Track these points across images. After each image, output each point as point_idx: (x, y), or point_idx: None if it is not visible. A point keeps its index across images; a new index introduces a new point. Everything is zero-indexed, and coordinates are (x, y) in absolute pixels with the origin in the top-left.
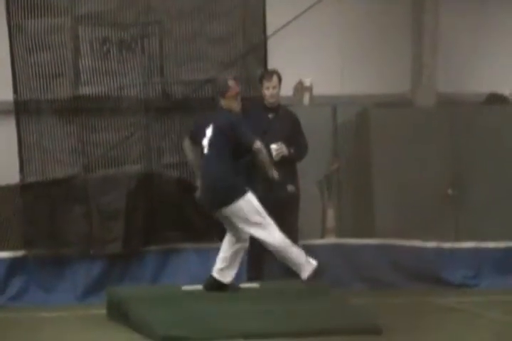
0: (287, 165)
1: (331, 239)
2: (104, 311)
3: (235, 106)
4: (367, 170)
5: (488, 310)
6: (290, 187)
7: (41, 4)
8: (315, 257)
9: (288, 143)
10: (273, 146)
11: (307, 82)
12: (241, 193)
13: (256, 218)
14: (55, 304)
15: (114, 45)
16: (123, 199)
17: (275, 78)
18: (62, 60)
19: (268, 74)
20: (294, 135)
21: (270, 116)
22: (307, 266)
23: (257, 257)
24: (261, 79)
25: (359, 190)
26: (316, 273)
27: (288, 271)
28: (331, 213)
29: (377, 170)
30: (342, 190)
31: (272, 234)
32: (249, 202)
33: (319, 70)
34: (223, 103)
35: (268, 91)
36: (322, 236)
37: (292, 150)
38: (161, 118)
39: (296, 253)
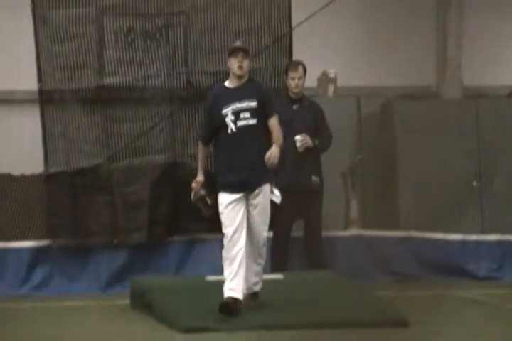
0: (311, 156)
1: (354, 231)
2: (127, 301)
3: (235, 66)
4: (391, 161)
5: (510, 303)
6: (314, 179)
7: None
8: (339, 249)
9: (312, 134)
10: (297, 137)
11: (331, 74)
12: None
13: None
14: (78, 293)
15: (138, 35)
16: (147, 189)
17: (300, 69)
18: (87, 50)
19: (293, 64)
20: (318, 126)
21: (295, 107)
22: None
23: (281, 248)
24: (286, 70)
25: (383, 181)
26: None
27: (312, 262)
28: (354, 205)
29: (402, 162)
30: (366, 182)
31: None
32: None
33: (344, 62)
34: (229, 65)
35: (293, 81)
36: (345, 228)
37: (316, 142)
38: (186, 108)
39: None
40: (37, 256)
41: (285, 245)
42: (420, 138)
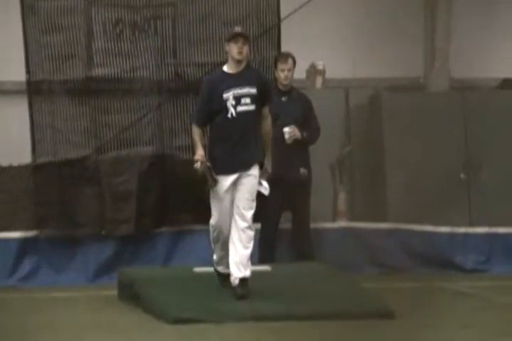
0: (299, 148)
1: (342, 223)
2: (115, 292)
3: (234, 52)
4: (379, 153)
5: (499, 295)
6: (302, 170)
7: None
8: (327, 240)
9: (300, 126)
10: (286, 129)
11: (320, 66)
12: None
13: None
14: (66, 284)
15: (127, 26)
16: (135, 180)
17: (290, 61)
18: (75, 41)
19: (283, 56)
20: (306, 118)
21: (283, 99)
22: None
23: (269, 240)
24: (275, 62)
25: (371, 173)
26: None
27: (300, 253)
28: (342, 196)
29: (390, 154)
30: (354, 174)
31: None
32: None
33: (332, 54)
34: (228, 51)
35: (283, 73)
36: (333, 220)
37: (305, 134)
38: (174, 99)
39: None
40: (24, 247)
41: (273, 237)
42: (408, 130)
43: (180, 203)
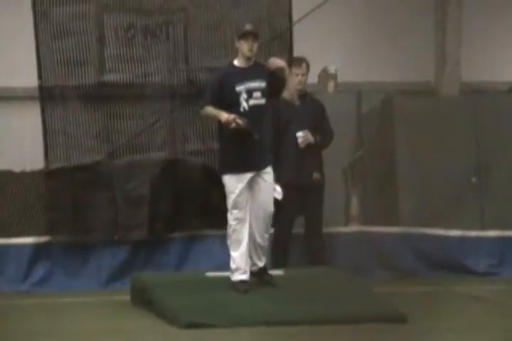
0: (313, 152)
1: (354, 227)
2: (127, 297)
3: (245, 49)
4: (391, 157)
5: (510, 299)
6: (315, 175)
7: None
8: (339, 245)
9: (314, 130)
10: (299, 134)
11: (332, 70)
12: None
13: None
14: (78, 290)
15: (138, 31)
16: (147, 185)
17: (304, 65)
18: (87, 46)
19: (297, 61)
20: (319, 122)
21: (297, 103)
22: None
23: (282, 245)
24: (289, 66)
25: (383, 177)
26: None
27: (313, 258)
28: (354, 201)
29: (401, 158)
30: (366, 178)
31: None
32: None
33: (344, 58)
34: (239, 47)
35: (297, 78)
36: (346, 224)
37: (318, 138)
38: (186, 105)
39: None
40: (37, 253)
41: (286, 242)
42: (420, 134)
43: (193, 208)
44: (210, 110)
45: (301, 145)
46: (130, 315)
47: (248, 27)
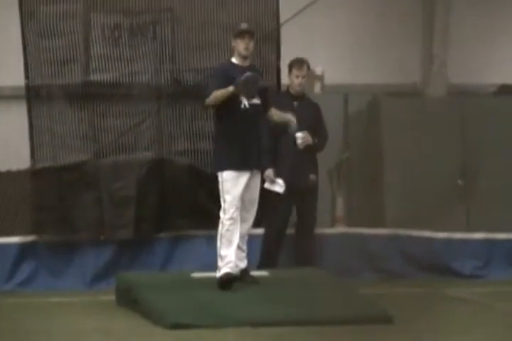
0: (309, 154)
1: (340, 228)
2: (113, 297)
3: (241, 48)
4: (377, 159)
5: (497, 301)
6: (312, 177)
7: None
8: (325, 246)
9: (311, 132)
10: (298, 134)
11: (318, 71)
12: None
13: None
14: (64, 289)
15: (125, 31)
16: (134, 185)
17: (305, 67)
18: (74, 46)
19: (298, 62)
20: (317, 125)
21: (295, 103)
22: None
23: (275, 244)
24: (290, 67)
25: (369, 179)
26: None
27: (301, 258)
28: (340, 202)
29: (388, 160)
30: (352, 179)
31: None
32: None
33: (330, 59)
34: (235, 46)
35: (297, 79)
36: (332, 225)
37: (316, 140)
38: (172, 104)
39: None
40: (23, 252)
41: (279, 242)
42: (407, 135)
43: (179, 208)
44: (216, 93)
45: (301, 147)
46: (115, 314)
47: (244, 26)
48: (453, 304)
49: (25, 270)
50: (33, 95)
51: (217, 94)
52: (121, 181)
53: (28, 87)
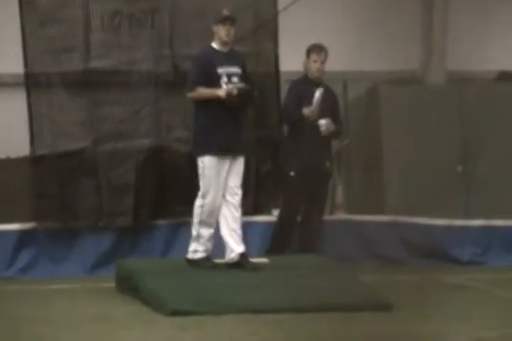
0: (325, 141)
1: (340, 215)
2: (113, 284)
3: (222, 34)
4: (377, 146)
5: (496, 288)
6: (328, 163)
7: None
8: (324, 233)
9: (332, 119)
10: (322, 121)
11: None
12: None
13: None
14: (64, 276)
15: (124, 18)
16: (132, 172)
17: (323, 53)
18: (73, 33)
19: (317, 48)
20: (335, 112)
21: (315, 90)
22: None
23: (286, 230)
24: (308, 53)
25: (369, 166)
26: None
27: (304, 244)
28: (340, 189)
29: (387, 147)
30: (352, 166)
31: None
32: None
33: (330, 46)
34: (216, 32)
35: (315, 64)
36: (331, 212)
37: (337, 127)
38: (171, 92)
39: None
40: (22, 239)
41: (290, 228)
42: (406, 123)
43: (178, 195)
44: (203, 91)
45: (324, 133)
46: (115, 301)
47: (226, 12)
48: (452, 291)
49: (25, 257)
50: (33, 83)
51: (203, 93)
52: (120, 168)
53: (27, 75)
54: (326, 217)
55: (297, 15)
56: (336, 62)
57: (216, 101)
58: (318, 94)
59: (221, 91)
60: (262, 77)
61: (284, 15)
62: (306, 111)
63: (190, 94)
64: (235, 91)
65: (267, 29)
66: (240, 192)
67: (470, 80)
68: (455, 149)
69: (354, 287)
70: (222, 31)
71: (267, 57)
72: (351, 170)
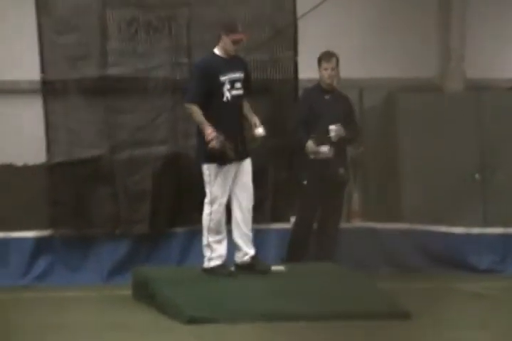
0: (340, 147)
1: (356, 223)
2: (129, 292)
3: (231, 49)
4: (393, 154)
5: None
6: (341, 170)
7: None
8: (341, 240)
9: (343, 125)
10: (332, 127)
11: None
12: None
13: None
14: (80, 284)
15: (141, 26)
16: (149, 180)
17: (334, 60)
18: (90, 41)
19: (327, 55)
20: (349, 118)
21: (326, 97)
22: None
23: (302, 238)
24: (319, 60)
25: (385, 174)
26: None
27: (321, 252)
28: (356, 197)
29: (404, 155)
30: (368, 174)
31: None
32: None
33: (347, 53)
34: (224, 42)
35: (326, 72)
36: (348, 220)
37: (348, 134)
38: None
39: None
40: (39, 247)
41: (307, 235)
42: (423, 130)
43: (195, 202)
44: (197, 114)
45: (334, 139)
46: (132, 309)
47: (240, 29)
48: (469, 299)
49: (41, 264)
50: (49, 90)
51: (195, 117)
52: (137, 176)
53: (43, 82)
54: (343, 225)
55: (314, 24)
56: (352, 70)
57: (218, 107)
58: (333, 132)
59: (209, 134)
60: (280, 85)
61: (301, 24)
62: (312, 149)
63: (187, 106)
64: (212, 144)
65: (285, 37)
66: (250, 192)
67: (488, 88)
68: (473, 157)
69: (371, 295)
70: (230, 47)
71: (286, 64)
72: (368, 178)
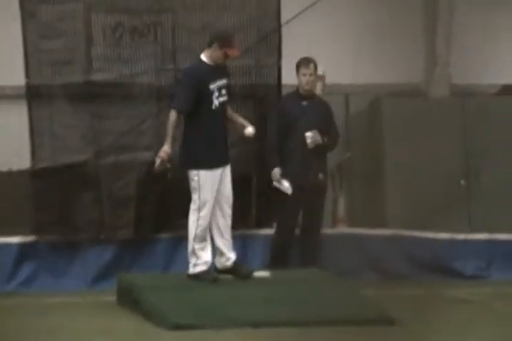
0: (319, 154)
1: (341, 229)
2: (114, 297)
3: (221, 59)
4: (379, 159)
5: (499, 302)
6: (321, 177)
7: None
8: (326, 246)
9: (321, 131)
10: (308, 134)
11: (320, 71)
12: None
13: None
14: (65, 290)
15: (126, 31)
16: (134, 185)
17: (312, 65)
18: (74, 46)
19: (304, 61)
20: (327, 124)
21: (304, 103)
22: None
23: (284, 245)
24: (298, 66)
25: (371, 179)
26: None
27: (305, 259)
28: (342, 203)
29: (389, 160)
30: (353, 180)
31: None
32: None
33: (332, 59)
34: (216, 52)
35: (304, 78)
36: (333, 226)
37: (326, 139)
38: None
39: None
40: (23, 252)
41: (288, 243)
42: (408, 136)
43: (180, 208)
44: (172, 125)
45: (310, 146)
46: (116, 315)
47: (235, 44)
48: (455, 305)
49: (25, 270)
50: (34, 95)
51: (168, 128)
52: (121, 181)
53: (28, 87)
54: (328, 231)
55: (299, 29)
56: (337, 76)
57: (206, 114)
58: (309, 139)
59: (162, 152)
60: (264, 90)
61: (286, 29)
62: (276, 178)
63: (172, 113)
64: (158, 163)
65: (269, 42)
66: (231, 200)
67: (473, 94)
68: (458, 163)
69: (356, 301)
70: (220, 58)
71: (270, 70)
72: (353, 184)
